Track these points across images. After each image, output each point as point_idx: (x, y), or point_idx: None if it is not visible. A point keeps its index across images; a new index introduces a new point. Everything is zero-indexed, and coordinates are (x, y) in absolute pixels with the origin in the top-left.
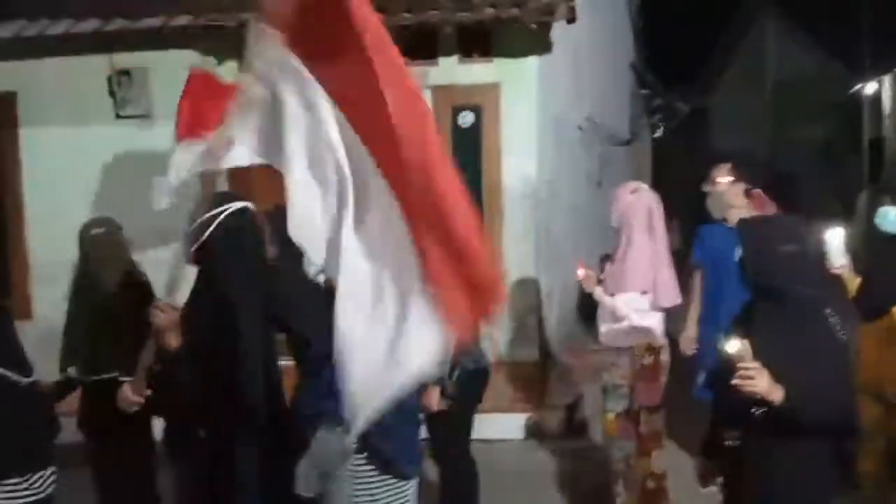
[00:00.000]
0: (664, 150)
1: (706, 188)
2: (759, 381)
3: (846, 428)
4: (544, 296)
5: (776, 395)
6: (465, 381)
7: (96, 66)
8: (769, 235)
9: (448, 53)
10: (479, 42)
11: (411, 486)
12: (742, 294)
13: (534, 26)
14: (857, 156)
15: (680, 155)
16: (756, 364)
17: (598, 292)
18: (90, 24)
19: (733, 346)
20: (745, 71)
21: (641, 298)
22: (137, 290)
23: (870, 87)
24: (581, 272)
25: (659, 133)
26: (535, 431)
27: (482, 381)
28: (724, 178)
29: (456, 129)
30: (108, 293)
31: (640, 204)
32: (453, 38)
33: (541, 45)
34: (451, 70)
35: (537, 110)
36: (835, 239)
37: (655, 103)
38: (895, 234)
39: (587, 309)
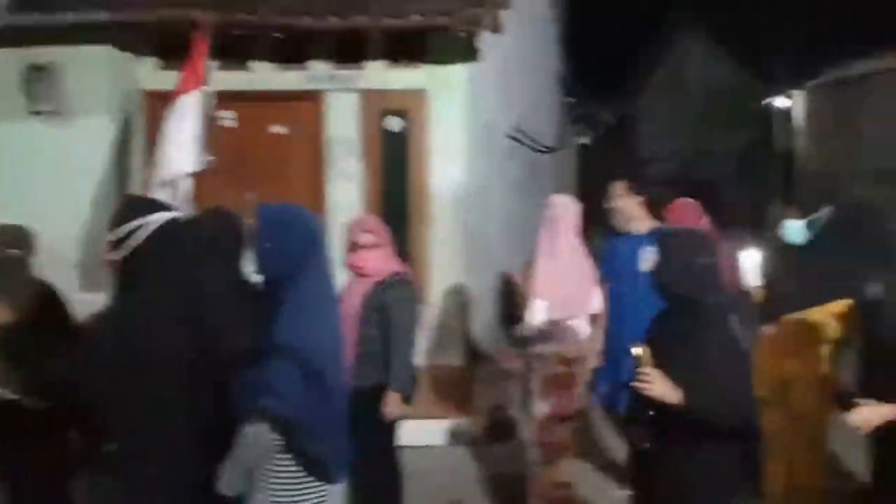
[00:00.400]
0: (590, 157)
1: (607, 204)
2: (656, 385)
3: (746, 432)
4: (472, 301)
5: (673, 398)
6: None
7: (10, 62)
8: (681, 246)
9: (377, 58)
10: (408, 48)
11: (336, 490)
12: (646, 305)
13: (462, 35)
14: (770, 166)
15: (605, 162)
16: (653, 369)
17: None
18: (4, 19)
19: (636, 350)
20: (667, 81)
21: (564, 304)
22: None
23: (783, 101)
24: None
25: (585, 140)
26: (459, 436)
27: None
28: (621, 193)
29: (384, 133)
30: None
31: (565, 213)
32: (382, 43)
33: (469, 53)
34: (380, 75)
35: (466, 117)
36: (748, 260)
37: (581, 112)
38: (797, 244)
39: (510, 314)
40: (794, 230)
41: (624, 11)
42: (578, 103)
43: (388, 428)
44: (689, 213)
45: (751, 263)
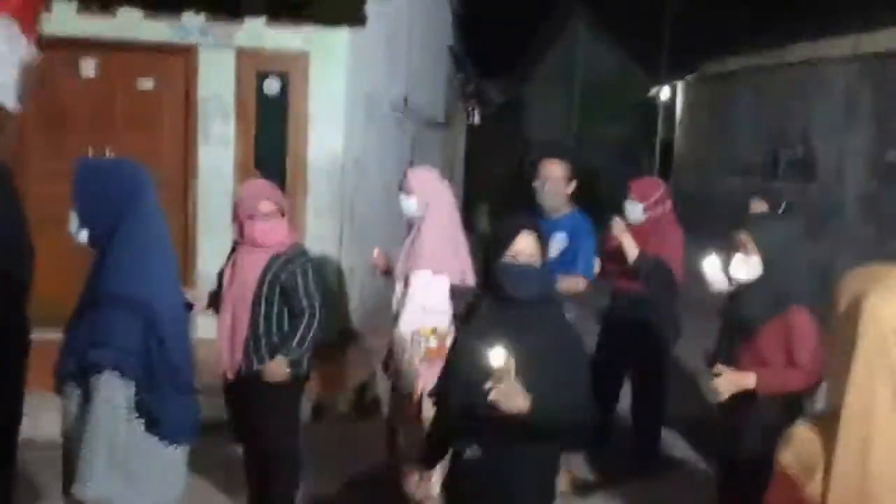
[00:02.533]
0: (479, 136)
1: (539, 184)
2: (515, 400)
3: (579, 433)
4: (347, 274)
5: (524, 408)
6: None
7: None
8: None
9: (256, 14)
10: (289, 6)
11: (179, 454)
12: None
13: None
14: (651, 156)
15: (493, 142)
16: (512, 381)
17: (397, 271)
18: None
19: (497, 356)
20: (556, 68)
21: (435, 279)
22: None
23: (665, 93)
24: (376, 253)
25: (474, 119)
26: (324, 413)
27: None
28: (559, 175)
29: (261, 95)
30: None
31: (440, 187)
32: None
33: (354, 17)
34: (258, 33)
35: (348, 84)
36: (709, 266)
37: (471, 89)
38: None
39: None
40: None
41: None
42: (469, 81)
43: (288, 406)
44: (653, 190)
45: (711, 269)
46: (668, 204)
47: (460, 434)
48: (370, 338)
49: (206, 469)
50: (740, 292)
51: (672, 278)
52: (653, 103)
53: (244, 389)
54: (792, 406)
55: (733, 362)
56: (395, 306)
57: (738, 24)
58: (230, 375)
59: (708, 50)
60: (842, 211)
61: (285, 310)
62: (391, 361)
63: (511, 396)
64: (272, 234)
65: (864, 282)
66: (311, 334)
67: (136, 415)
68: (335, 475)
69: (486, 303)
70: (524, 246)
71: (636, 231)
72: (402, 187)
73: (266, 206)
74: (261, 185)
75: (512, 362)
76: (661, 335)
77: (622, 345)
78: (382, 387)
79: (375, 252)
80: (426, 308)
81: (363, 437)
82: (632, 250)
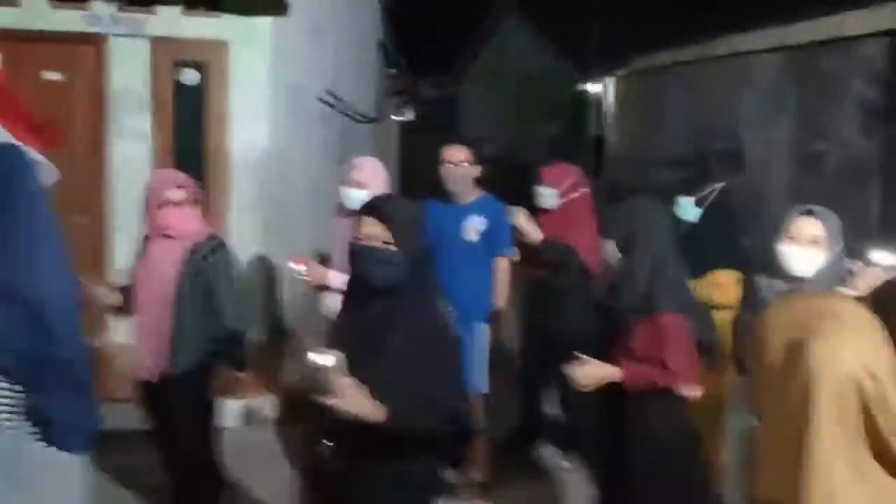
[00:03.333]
0: (413, 134)
1: (443, 169)
2: (350, 400)
3: (455, 434)
4: (275, 272)
5: (372, 414)
6: None
7: None
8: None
9: (170, 2)
10: None
11: (76, 463)
12: (464, 277)
13: None
14: (584, 151)
15: (427, 139)
16: (346, 380)
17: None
18: None
19: (319, 358)
20: (490, 66)
21: None
22: None
23: (595, 88)
24: (299, 263)
25: (408, 115)
26: (254, 417)
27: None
28: (463, 159)
29: (178, 87)
30: None
31: (387, 179)
32: None
33: (276, 4)
34: (174, 21)
35: (271, 75)
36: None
37: (404, 86)
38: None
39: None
40: (687, 208)
41: None
42: (402, 77)
43: (208, 408)
44: (566, 176)
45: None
46: (585, 191)
47: (322, 430)
48: (301, 338)
49: (118, 479)
50: (616, 284)
51: (583, 266)
52: (585, 99)
53: (164, 392)
54: (669, 410)
55: (607, 354)
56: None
57: (667, 19)
58: (152, 378)
59: (637, 44)
60: (768, 202)
61: (209, 306)
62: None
63: (350, 402)
64: (185, 223)
65: (802, 319)
66: (240, 331)
67: (24, 419)
68: (264, 481)
69: (350, 295)
70: (367, 228)
71: (551, 218)
72: (349, 180)
73: (176, 194)
74: (170, 172)
75: (342, 360)
76: (576, 328)
77: (541, 341)
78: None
79: (297, 262)
80: None
81: (293, 441)
82: (533, 233)
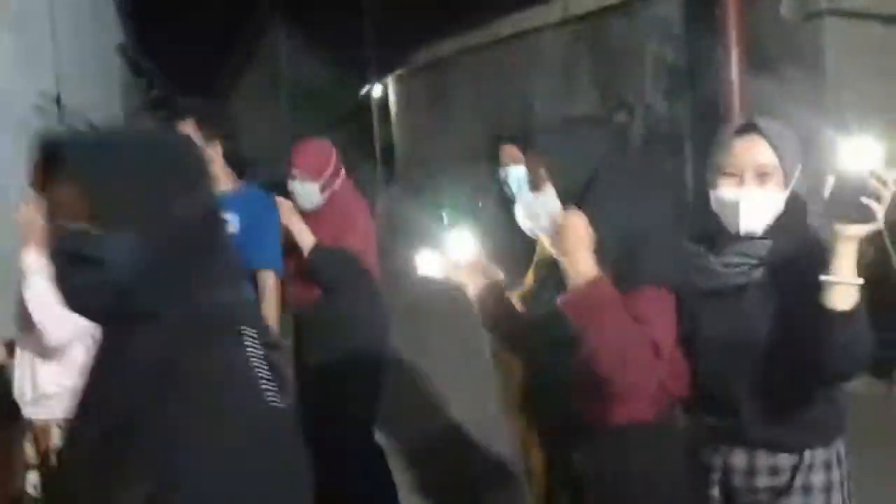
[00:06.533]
0: None
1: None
2: None
3: None
4: None
5: None
6: None
7: None
8: None
9: None
10: None
11: None
12: None
13: None
14: (372, 160)
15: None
16: None
17: None
18: None
19: None
20: (260, 82)
21: None
22: None
23: (377, 91)
24: None
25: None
26: None
27: None
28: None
29: None
30: None
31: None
32: None
33: None
34: None
35: None
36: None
37: (156, 97)
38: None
39: None
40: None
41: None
42: (153, 87)
43: None
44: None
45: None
46: (343, 173)
47: None
48: None
49: None
50: None
51: (363, 274)
52: (367, 105)
53: None
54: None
55: None
56: None
57: (443, 6)
58: None
59: (415, 39)
60: None
61: None
62: None
63: None
64: None
65: None
66: None
67: None
68: None
69: None
70: None
71: (313, 219)
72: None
73: None
74: None
75: None
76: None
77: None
78: None
79: None
80: None
81: None
82: (307, 238)
